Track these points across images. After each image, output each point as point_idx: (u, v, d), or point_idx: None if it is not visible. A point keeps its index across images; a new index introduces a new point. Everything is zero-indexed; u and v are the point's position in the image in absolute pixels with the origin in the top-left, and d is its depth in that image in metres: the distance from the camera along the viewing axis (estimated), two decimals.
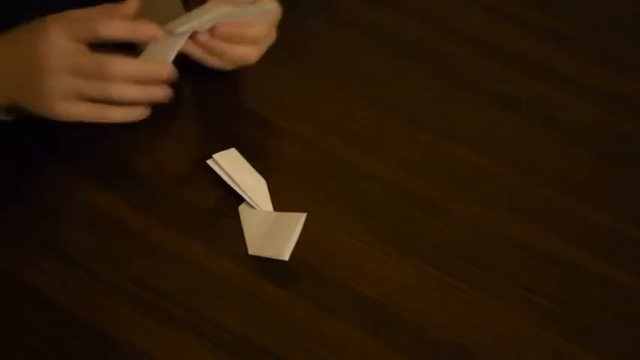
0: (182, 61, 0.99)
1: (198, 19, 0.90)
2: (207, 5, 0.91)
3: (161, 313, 0.78)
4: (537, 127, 1.01)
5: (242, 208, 0.88)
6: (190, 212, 0.88)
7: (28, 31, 0.86)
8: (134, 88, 0.88)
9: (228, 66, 0.96)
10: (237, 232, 0.85)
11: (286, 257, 0.82)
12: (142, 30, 0.87)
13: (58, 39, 0.84)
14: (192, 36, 0.91)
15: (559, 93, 1.06)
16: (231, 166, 0.89)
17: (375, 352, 0.77)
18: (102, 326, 0.77)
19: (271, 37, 0.96)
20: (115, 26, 0.86)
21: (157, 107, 0.93)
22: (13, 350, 0.75)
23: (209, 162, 0.90)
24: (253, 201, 0.87)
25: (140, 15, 0.89)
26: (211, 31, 0.91)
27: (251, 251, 0.84)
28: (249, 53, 0.95)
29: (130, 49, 0.90)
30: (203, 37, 0.92)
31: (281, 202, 0.88)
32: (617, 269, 0.86)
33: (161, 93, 0.91)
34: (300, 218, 0.84)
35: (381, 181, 0.92)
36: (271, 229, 0.85)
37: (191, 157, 0.92)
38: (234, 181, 0.89)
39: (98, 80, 0.86)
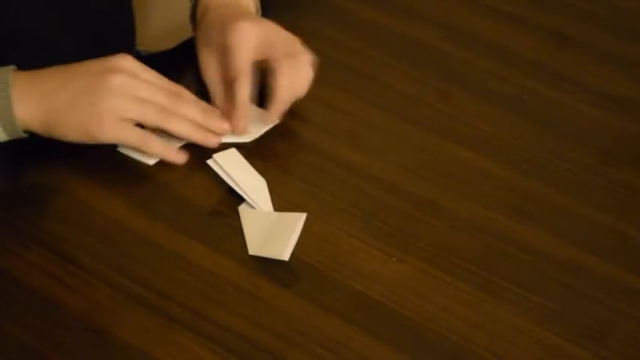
0: (182, 61, 0.99)
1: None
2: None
3: (161, 313, 0.78)
4: (537, 127, 1.01)
5: (242, 208, 0.87)
6: (190, 212, 0.88)
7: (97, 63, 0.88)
8: (193, 126, 0.90)
9: None
10: (237, 232, 0.85)
11: (286, 257, 0.82)
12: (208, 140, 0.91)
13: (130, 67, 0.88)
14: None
15: (559, 93, 1.06)
16: (231, 166, 0.89)
17: (375, 352, 0.77)
18: (102, 326, 0.77)
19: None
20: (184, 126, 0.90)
21: None
22: (12, 350, 0.75)
23: (209, 162, 0.90)
24: (253, 201, 0.87)
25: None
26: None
27: (251, 251, 0.84)
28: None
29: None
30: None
31: (281, 202, 0.88)
32: (617, 269, 0.86)
33: (213, 140, 0.91)
34: (300, 218, 0.84)
35: (381, 181, 0.92)
36: (271, 229, 0.85)
37: (191, 157, 0.92)
38: (234, 181, 0.89)
39: (160, 106, 0.88)
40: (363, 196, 0.90)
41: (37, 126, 0.86)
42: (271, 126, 0.96)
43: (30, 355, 0.75)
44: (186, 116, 0.90)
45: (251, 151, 0.93)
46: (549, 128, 1.01)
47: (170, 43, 1.08)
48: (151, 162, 0.90)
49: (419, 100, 1.03)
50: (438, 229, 0.88)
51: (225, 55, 0.93)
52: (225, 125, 0.91)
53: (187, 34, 1.04)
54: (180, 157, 0.90)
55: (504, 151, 0.97)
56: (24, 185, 0.88)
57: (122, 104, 0.86)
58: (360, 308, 0.80)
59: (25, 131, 0.86)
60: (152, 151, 0.89)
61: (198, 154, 0.91)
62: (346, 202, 0.89)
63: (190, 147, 0.93)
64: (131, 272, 0.81)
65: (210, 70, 0.96)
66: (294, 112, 0.99)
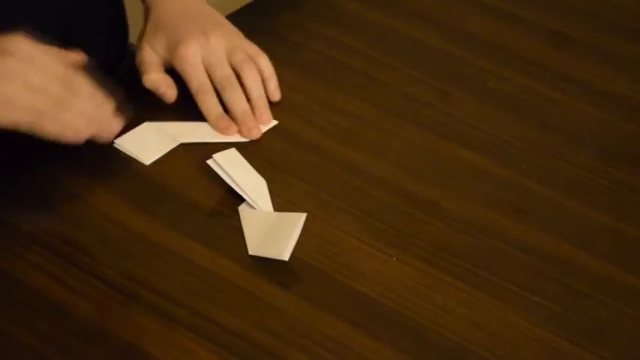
0: None
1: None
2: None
3: (161, 313, 0.78)
4: (537, 127, 1.01)
5: (242, 208, 0.88)
6: (190, 212, 0.88)
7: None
8: (86, 120, 0.85)
9: None
10: (237, 232, 0.85)
11: (286, 257, 0.82)
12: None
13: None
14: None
15: (559, 93, 1.06)
16: (231, 166, 0.89)
17: (375, 352, 0.77)
18: (102, 326, 0.77)
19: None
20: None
21: (157, 108, 0.94)
22: (12, 350, 0.75)
23: (209, 162, 0.90)
24: (253, 201, 0.87)
25: None
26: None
27: (251, 251, 0.84)
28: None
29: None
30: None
31: (281, 202, 0.88)
32: (617, 269, 0.86)
33: (104, 135, 0.88)
34: (300, 218, 0.84)
35: (381, 181, 0.92)
36: (271, 229, 0.85)
37: (191, 157, 0.92)
38: (234, 181, 0.89)
39: (53, 97, 0.83)
40: (363, 196, 0.90)
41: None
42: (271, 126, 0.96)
43: (30, 355, 0.75)
44: (80, 110, 0.84)
45: (251, 151, 0.93)
46: (549, 128, 1.01)
47: None
48: (147, 162, 0.91)
49: (419, 100, 1.03)
50: (438, 229, 0.88)
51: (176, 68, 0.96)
52: (114, 127, 0.88)
53: None
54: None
55: (504, 151, 0.97)
56: (24, 185, 0.88)
57: (13, 90, 0.81)
58: (360, 308, 0.80)
59: None
60: (46, 132, 0.83)
61: (199, 154, 0.91)
62: (346, 202, 0.89)
63: (190, 147, 0.93)
64: (131, 272, 0.81)
65: (154, 62, 0.97)
66: (294, 112, 0.99)
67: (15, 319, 0.77)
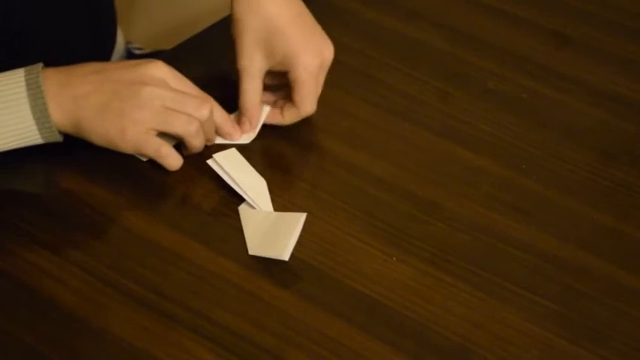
0: (179, 62, 0.99)
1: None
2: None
3: (161, 313, 0.78)
4: (537, 127, 1.01)
5: (242, 208, 0.88)
6: (190, 212, 0.88)
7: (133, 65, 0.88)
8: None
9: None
10: (237, 232, 0.85)
11: (286, 257, 0.82)
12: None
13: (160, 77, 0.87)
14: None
15: (559, 93, 1.06)
16: (231, 166, 0.89)
17: (375, 351, 0.77)
18: (102, 326, 0.77)
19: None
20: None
21: None
22: (12, 350, 0.75)
23: (209, 162, 0.90)
24: (253, 201, 0.87)
25: None
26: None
27: (251, 251, 0.84)
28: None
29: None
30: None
31: (281, 202, 0.88)
32: (618, 269, 0.86)
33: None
34: (300, 218, 0.84)
35: (381, 181, 0.92)
36: (271, 229, 0.85)
37: (191, 157, 0.92)
38: (234, 181, 0.89)
39: (186, 117, 0.87)
40: (363, 196, 0.90)
41: (68, 128, 0.86)
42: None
43: (30, 355, 0.75)
44: (212, 128, 0.90)
45: (251, 151, 0.93)
46: (549, 128, 1.01)
47: (167, 44, 1.08)
48: (144, 158, 0.90)
49: (419, 100, 1.03)
50: (438, 229, 0.88)
51: (283, 75, 0.94)
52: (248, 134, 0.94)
53: (184, 35, 1.04)
54: (179, 162, 0.90)
55: (504, 151, 0.97)
56: (24, 185, 0.88)
57: (146, 116, 0.86)
58: (360, 308, 0.80)
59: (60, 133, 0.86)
60: (166, 165, 0.89)
61: (199, 154, 0.91)
62: (346, 202, 0.89)
63: None
64: (131, 272, 0.81)
65: (254, 67, 0.94)
66: None
67: (14, 318, 0.77)
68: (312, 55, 0.92)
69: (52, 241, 0.83)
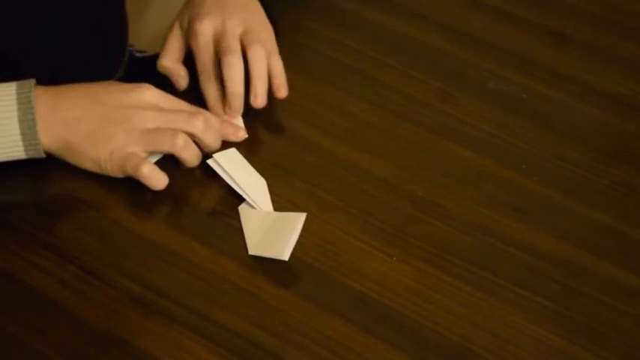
0: (184, 61, 0.99)
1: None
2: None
3: (161, 313, 0.78)
4: (537, 127, 1.01)
5: (242, 208, 0.88)
6: (190, 212, 0.88)
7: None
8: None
9: None
10: (237, 232, 0.85)
11: (286, 257, 0.82)
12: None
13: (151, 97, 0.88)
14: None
15: (559, 93, 1.06)
16: (231, 166, 0.89)
17: (374, 351, 0.77)
18: (102, 326, 0.77)
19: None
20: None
21: None
22: (12, 350, 0.75)
23: (209, 162, 0.90)
24: (253, 201, 0.87)
25: None
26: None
27: (251, 251, 0.84)
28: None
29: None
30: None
31: (281, 202, 0.88)
32: (617, 269, 0.86)
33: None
34: (300, 218, 0.84)
35: (381, 181, 0.92)
36: (271, 229, 0.85)
37: None
38: (234, 181, 0.89)
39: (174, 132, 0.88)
40: (363, 196, 0.90)
41: (54, 150, 0.86)
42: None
43: (30, 355, 0.75)
44: (214, 137, 0.90)
45: (251, 151, 0.93)
46: (549, 128, 1.01)
47: None
48: (153, 160, 0.90)
49: (419, 100, 1.03)
50: (438, 229, 0.88)
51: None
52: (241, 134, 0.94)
53: None
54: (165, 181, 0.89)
55: (504, 151, 0.97)
56: (24, 185, 0.88)
57: (135, 138, 0.86)
58: (360, 308, 0.80)
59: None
60: (149, 185, 0.87)
61: None
62: (346, 202, 0.89)
63: None
64: (131, 272, 0.81)
65: (172, 48, 0.98)
66: (294, 112, 0.99)
67: (15, 319, 0.77)
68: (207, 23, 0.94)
69: (52, 241, 0.83)
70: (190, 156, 0.89)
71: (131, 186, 0.89)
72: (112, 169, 0.87)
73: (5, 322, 0.77)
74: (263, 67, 0.95)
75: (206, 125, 0.88)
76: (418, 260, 0.85)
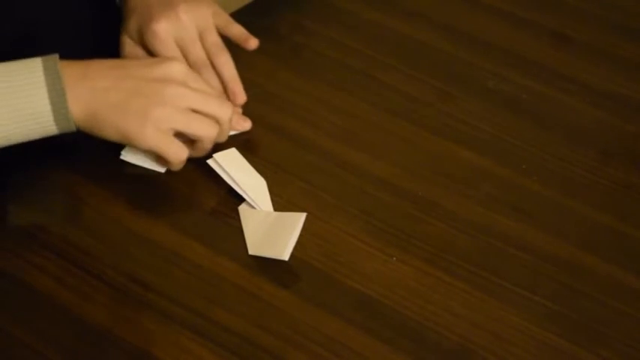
0: None
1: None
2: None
3: (161, 313, 0.78)
4: (537, 127, 1.01)
5: (242, 208, 0.88)
6: (190, 212, 0.88)
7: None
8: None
9: None
10: (237, 232, 0.85)
11: (286, 257, 0.82)
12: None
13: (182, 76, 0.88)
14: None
15: (559, 93, 1.06)
16: (231, 166, 0.89)
17: (375, 351, 0.77)
18: (102, 326, 0.77)
19: None
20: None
21: None
22: (12, 350, 0.75)
23: (209, 162, 0.90)
24: (253, 201, 0.87)
25: None
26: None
27: (251, 251, 0.84)
28: None
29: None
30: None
31: (281, 202, 0.88)
32: (617, 269, 0.86)
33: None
34: (300, 218, 0.84)
35: (381, 181, 0.92)
36: (271, 229, 0.85)
37: (191, 157, 0.92)
38: (234, 181, 0.89)
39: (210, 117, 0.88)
40: (363, 196, 0.90)
41: (82, 121, 0.84)
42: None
43: (30, 355, 0.75)
44: (229, 128, 0.91)
45: (251, 151, 0.93)
46: (549, 128, 1.01)
47: None
48: (162, 169, 0.90)
49: (419, 100, 1.03)
50: (438, 229, 0.88)
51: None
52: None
53: None
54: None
55: (504, 151, 0.97)
56: (24, 186, 0.88)
57: (169, 115, 0.85)
58: (360, 308, 0.80)
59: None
60: (171, 164, 0.88)
61: None
62: (346, 202, 0.89)
63: None
64: (131, 272, 0.81)
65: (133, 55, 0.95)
66: (294, 112, 0.99)
67: (14, 319, 0.77)
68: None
69: (51, 240, 0.83)
70: (206, 150, 0.89)
71: (131, 186, 0.89)
72: (142, 144, 0.85)
73: (5, 322, 0.77)
74: (228, 64, 0.95)
75: (232, 113, 0.89)
76: (418, 260, 0.85)
